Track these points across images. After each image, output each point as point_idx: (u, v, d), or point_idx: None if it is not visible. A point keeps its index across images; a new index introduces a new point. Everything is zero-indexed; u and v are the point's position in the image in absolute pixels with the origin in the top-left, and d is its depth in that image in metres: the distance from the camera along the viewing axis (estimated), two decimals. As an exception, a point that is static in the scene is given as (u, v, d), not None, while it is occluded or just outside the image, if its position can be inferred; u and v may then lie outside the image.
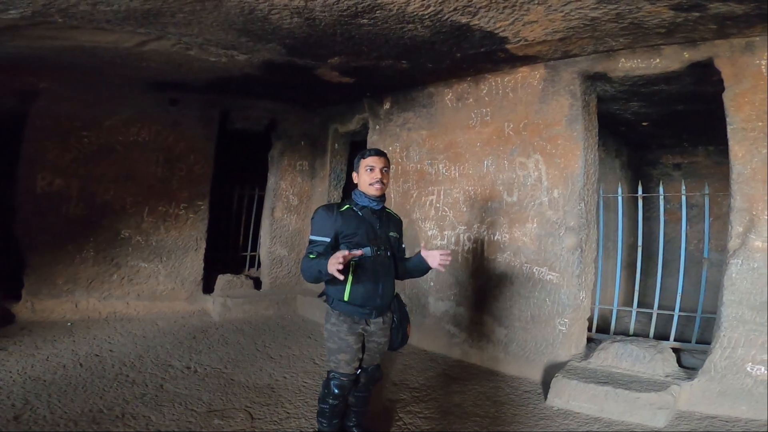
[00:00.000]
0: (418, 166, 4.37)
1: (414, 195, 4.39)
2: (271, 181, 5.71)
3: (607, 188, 4.16)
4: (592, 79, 3.41)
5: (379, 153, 2.17)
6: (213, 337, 4.23)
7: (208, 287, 5.25)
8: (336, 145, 5.74)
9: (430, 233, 4.19)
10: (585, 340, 3.41)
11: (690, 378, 2.81)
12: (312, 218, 2.14)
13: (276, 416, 2.70)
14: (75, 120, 4.51)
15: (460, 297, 3.93)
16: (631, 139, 5.49)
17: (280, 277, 5.67)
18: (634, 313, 3.64)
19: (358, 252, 1.90)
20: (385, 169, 2.14)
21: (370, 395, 2.34)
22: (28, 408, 2.57)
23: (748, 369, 2.62)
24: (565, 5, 2.50)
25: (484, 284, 3.77)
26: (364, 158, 2.16)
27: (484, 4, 2.56)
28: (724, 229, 2.84)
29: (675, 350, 3.18)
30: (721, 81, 2.85)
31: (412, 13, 2.72)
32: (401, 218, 2.38)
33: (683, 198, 3.42)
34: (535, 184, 3.53)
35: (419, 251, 2.20)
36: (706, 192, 3.42)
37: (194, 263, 5.13)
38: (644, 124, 4.66)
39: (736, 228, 2.74)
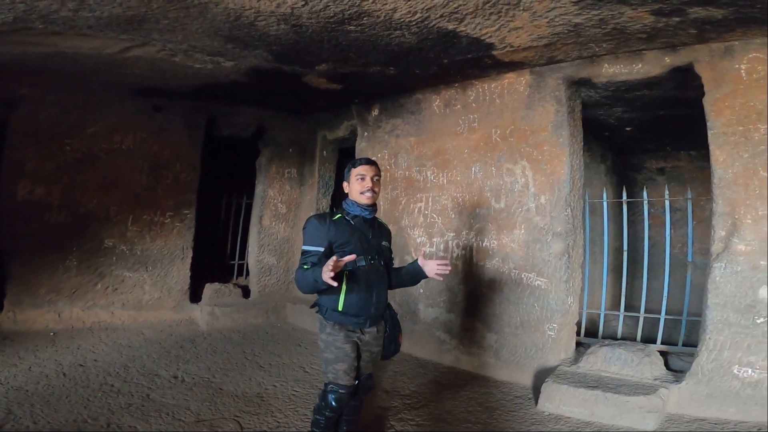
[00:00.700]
0: (407, 173, 4.37)
1: (403, 202, 4.39)
2: (259, 188, 5.67)
3: (593, 193, 4.21)
4: (576, 84, 3.45)
5: (370, 162, 2.17)
6: (201, 346, 4.17)
7: (195, 296, 5.18)
8: (324, 152, 5.72)
9: (419, 240, 4.19)
10: (574, 345, 3.43)
11: (678, 381, 2.82)
12: (304, 228, 2.10)
13: (266, 425, 2.66)
14: (57, 127, 4.43)
15: (450, 303, 3.92)
16: (615, 144, 5.57)
17: (269, 285, 5.61)
18: (621, 317, 3.67)
19: (349, 258, 1.87)
20: (376, 177, 2.14)
21: (361, 404, 2.31)
22: (11, 418, 2.52)
23: (735, 371, 2.64)
24: (549, 11, 2.53)
25: (473, 290, 3.77)
26: (354, 167, 2.15)
27: (470, 10, 2.58)
28: (708, 233, 2.86)
29: (662, 353, 3.20)
30: (702, 86, 2.89)
31: (399, 19, 2.73)
32: (389, 227, 2.39)
33: (666, 203, 3.48)
34: (522, 191, 3.55)
35: (416, 260, 2.20)
36: (689, 197, 3.47)
37: (181, 272, 5.06)
38: (628, 129, 4.72)
39: (719, 232, 2.77)
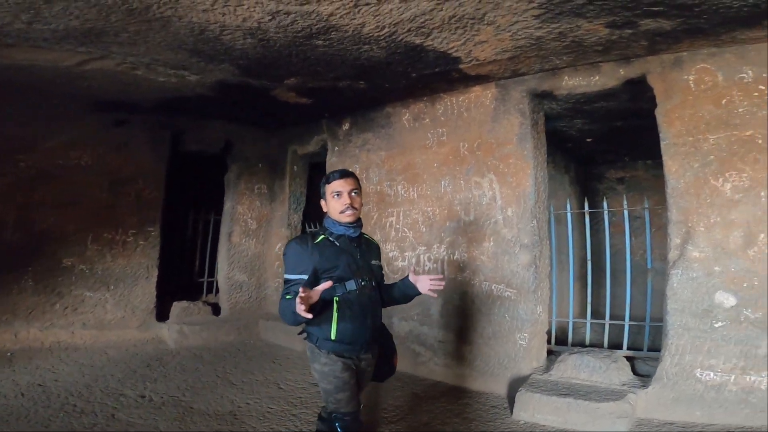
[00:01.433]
0: (378, 187, 4.38)
1: (374, 217, 4.38)
2: (228, 205, 5.54)
3: (558, 204, 4.33)
4: (539, 97, 3.55)
5: (345, 174, 1.97)
6: (169, 364, 4.04)
7: (163, 315, 5.02)
8: (295, 167, 5.66)
9: (391, 255, 4.18)
10: (545, 353, 3.48)
11: (645, 386, 2.89)
12: (284, 254, 1.91)
13: (240, 445, 2.57)
14: (10, 141, 4.22)
15: (423, 317, 3.92)
16: (578, 155, 5.77)
17: (241, 302, 5.47)
18: (588, 325, 3.76)
19: (324, 285, 1.71)
20: (355, 191, 1.94)
21: None
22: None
23: (698, 375, 2.72)
24: (512, 25, 2.61)
25: (446, 303, 3.79)
26: (329, 183, 1.95)
27: (436, 25, 2.63)
28: (666, 240, 2.96)
29: (629, 358, 3.28)
30: (654, 97, 2.98)
31: (368, 34, 2.76)
32: (377, 242, 2.21)
33: (625, 212, 3.60)
34: (490, 203, 3.61)
35: (407, 276, 2.04)
36: (646, 206, 3.61)
37: (146, 291, 4.91)
38: (588, 140, 4.90)
39: (675, 240, 2.87)
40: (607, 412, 2.69)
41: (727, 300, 2.65)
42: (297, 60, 3.20)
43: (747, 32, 2.55)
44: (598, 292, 4.15)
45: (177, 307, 5.06)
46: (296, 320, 1.72)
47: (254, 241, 5.62)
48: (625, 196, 3.78)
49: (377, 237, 4.30)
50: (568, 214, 3.89)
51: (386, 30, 2.70)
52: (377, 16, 2.52)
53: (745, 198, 2.65)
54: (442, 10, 2.44)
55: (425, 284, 1.95)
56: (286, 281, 1.86)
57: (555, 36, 2.74)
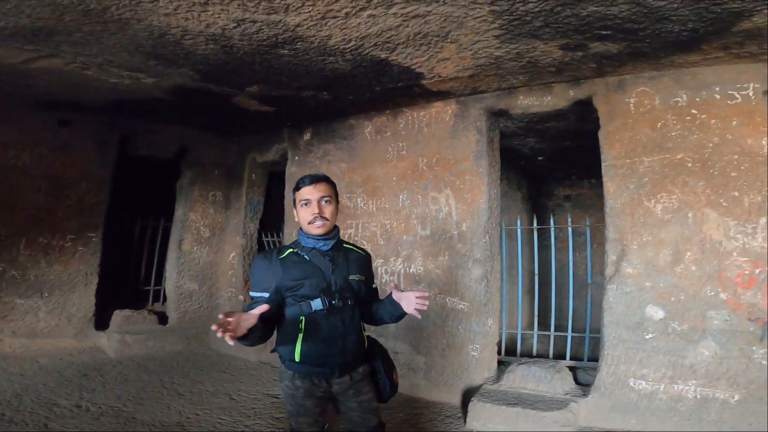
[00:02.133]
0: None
1: (334, 228, 4.37)
2: (179, 212, 5.34)
3: (510, 219, 4.53)
4: (496, 115, 3.69)
5: (316, 180, 1.76)
6: (109, 374, 3.85)
7: (103, 323, 4.78)
8: (253, 175, 5.54)
9: (349, 265, 4.19)
10: (496, 364, 3.61)
11: (585, 395, 3.06)
12: (250, 269, 1.79)
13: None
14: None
15: (379, 328, 3.93)
16: (530, 172, 6.07)
17: (191, 311, 5.28)
18: (535, 336, 3.95)
19: (258, 310, 1.52)
20: (326, 199, 1.74)
21: None
22: None
23: (632, 384, 2.91)
24: (474, 44, 2.72)
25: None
26: (298, 190, 1.77)
27: (402, 40, 2.70)
28: (605, 256, 3.15)
29: (571, 368, 3.48)
30: (599, 119, 3.15)
31: (334, 46, 2.78)
32: (367, 252, 1.97)
33: (569, 229, 3.84)
34: (446, 218, 3.71)
35: (390, 293, 1.84)
36: (588, 224, 3.87)
37: (83, 299, 4.65)
38: (540, 158, 5.16)
39: (611, 256, 3.07)
40: (552, 420, 2.83)
41: (657, 313, 2.88)
42: (260, 68, 3.18)
43: (684, 56, 2.74)
44: (546, 304, 4.37)
45: (118, 316, 4.85)
46: (243, 343, 1.53)
47: (207, 249, 5.45)
48: (569, 214, 4.03)
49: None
50: (518, 231, 4.09)
51: (352, 43, 2.74)
52: (344, 29, 2.56)
53: (674, 218, 2.89)
54: (408, 26, 2.51)
55: (410, 303, 1.77)
56: (251, 298, 1.73)
57: (513, 56, 2.87)
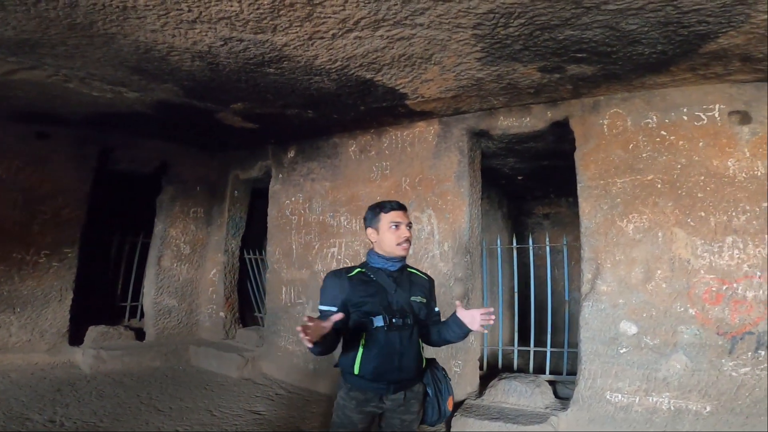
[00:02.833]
0: (321, 217, 4.40)
1: (316, 247, 4.38)
2: (159, 227, 5.26)
3: (491, 238, 4.62)
4: (477, 135, 3.77)
5: (402, 206, 1.91)
6: (84, 390, 3.76)
7: (78, 339, 4.68)
8: (236, 192, 5.51)
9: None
10: (478, 379, 3.62)
11: (564, 408, 3.11)
12: (321, 285, 1.90)
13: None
14: None
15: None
16: (510, 191, 6.20)
17: (169, 327, 5.18)
18: (515, 351, 4.01)
19: (335, 317, 1.65)
20: (410, 225, 1.89)
21: None
22: None
23: (608, 397, 2.97)
24: (456, 66, 2.81)
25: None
26: (385, 212, 1.87)
27: (387, 62, 2.77)
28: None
29: (551, 382, 3.54)
30: (575, 139, 3.24)
31: (320, 66, 2.84)
32: (430, 277, 2.04)
33: (548, 248, 3.94)
34: (428, 238, 3.75)
35: (454, 312, 1.87)
36: (565, 243, 3.98)
37: (57, 314, 4.54)
38: (520, 178, 5.27)
39: (587, 275, 3.16)
40: (533, 435, 2.87)
41: (630, 329, 2.97)
42: (246, 86, 3.21)
43: (654, 78, 2.85)
44: (527, 320, 4.45)
45: (94, 332, 4.75)
46: (315, 350, 1.66)
47: (187, 266, 5.37)
48: (547, 233, 4.13)
49: (318, 267, 4.30)
50: (498, 249, 4.17)
51: (338, 63, 2.80)
52: (331, 49, 2.62)
53: (645, 238, 3.00)
54: (393, 48, 2.59)
55: (475, 321, 1.79)
56: (319, 311, 1.83)
57: (494, 78, 2.96)
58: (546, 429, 2.89)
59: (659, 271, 2.93)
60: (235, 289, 5.44)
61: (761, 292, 2.69)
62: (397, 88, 3.19)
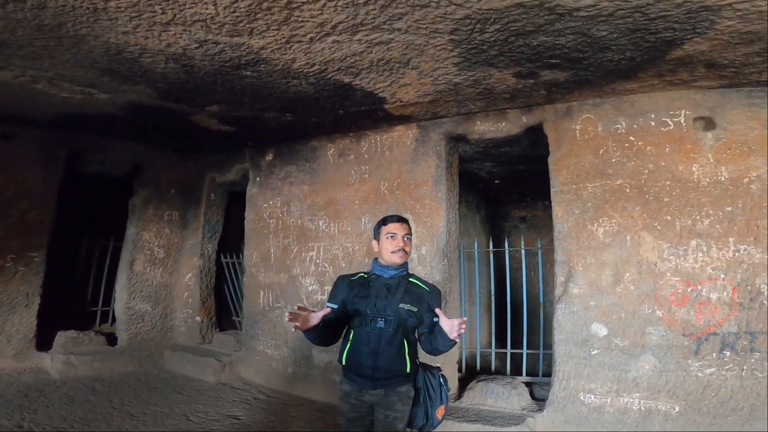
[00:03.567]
0: (299, 221, 4.37)
1: (294, 250, 4.35)
2: (131, 231, 5.13)
3: (469, 242, 4.68)
4: (455, 140, 3.80)
5: (401, 219, 2.11)
6: (53, 395, 3.67)
7: (46, 344, 4.53)
8: (212, 195, 5.43)
9: (310, 288, 4.17)
10: (457, 381, 3.66)
11: (540, 410, 3.17)
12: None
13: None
14: None
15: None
16: (487, 195, 6.29)
17: (143, 332, 5.06)
18: (493, 354, 4.06)
19: (322, 312, 1.89)
20: (407, 236, 2.07)
21: None
22: None
23: (582, 398, 3.03)
24: (434, 71, 2.83)
25: (363, 334, 3.83)
26: (385, 225, 2.09)
27: (365, 66, 2.78)
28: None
29: (528, 384, 3.59)
30: (548, 144, 3.30)
31: (298, 69, 2.82)
32: (435, 288, 2.18)
33: (523, 252, 3.98)
34: (407, 243, 3.77)
35: (437, 322, 1.98)
36: (540, 246, 4.05)
37: (24, 319, 4.39)
38: (496, 181, 5.34)
39: (560, 278, 3.22)
40: (510, 436, 2.91)
41: (601, 330, 3.04)
42: (222, 88, 3.17)
43: (624, 84, 2.91)
44: (503, 323, 4.51)
45: (63, 337, 4.63)
46: (309, 337, 1.96)
47: (161, 270, 5.25)
48: (523, 237, 4.19)
49: (296, 270, 4.26)
50: (476, 253, 4.22)
51: (316, 67, 2.79)
52: (308, 53, 2.61)
53: (614, 242, 3.08)
54: (371, 52, 2.59)
55: (453, 330, 1.89)
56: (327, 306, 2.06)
57: (471, 83, 3.00)
58: (523, 430, 2.94)
59: (627, 274, 3.02)
60: (212, 293, 5.35)
61: (725, 294, 2.80)
62: (375, 92, 3.20)
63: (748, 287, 2.74)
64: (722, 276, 2.81)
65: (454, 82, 3.01)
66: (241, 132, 4.28)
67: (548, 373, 3.58)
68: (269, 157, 4.72)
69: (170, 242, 5.33)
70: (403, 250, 2.04)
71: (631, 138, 3.11)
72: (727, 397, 2.73)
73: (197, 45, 2.52)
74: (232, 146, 4.85)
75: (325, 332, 1.97)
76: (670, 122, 3.02)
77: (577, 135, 3.26)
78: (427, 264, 3.65)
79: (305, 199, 4.37)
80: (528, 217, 6.94)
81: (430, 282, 2.28)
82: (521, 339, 3.92)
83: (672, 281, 2.91)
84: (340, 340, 2.09)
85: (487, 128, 3.60)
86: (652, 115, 3.06)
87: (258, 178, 4.78)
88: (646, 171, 3.05)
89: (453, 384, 3.60)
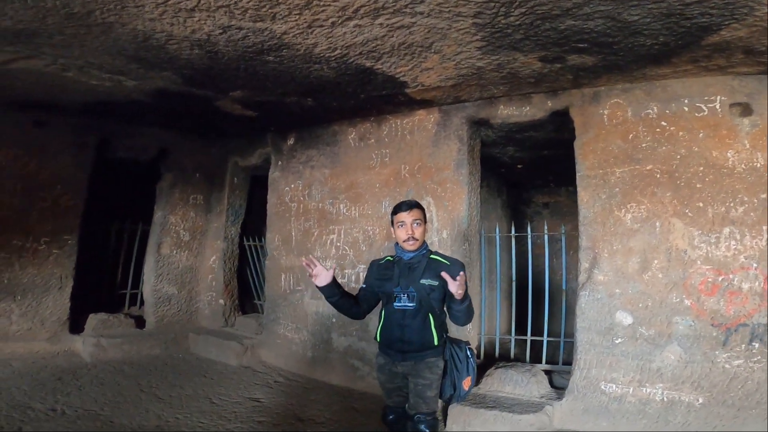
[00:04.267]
0: (320, 204, 4.41)
1: (315, 233, 4.40)
2: (158, 215, 5.27)
3: (490, 226, 4.63)
4: (477, 124, 3.76)
5: (410, 206, 2.21)
6: (84, 378, 3.80)
7: (78, 327, 4.71)
8: (235, 179, 5.52)
9: (331, 271, 4.22)
10: (475, 368, 3.67)
11: (560, 398, 3.15)
12: None
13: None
14: None
15: (361, 332, 3.99)
16: (509, 179, 6.19)
17: (169, 315, 5.22)
18: (513, 341, 4.05)
19: (316, 269, 2.10)
20: (417, 221, 2.18)
21: None
22: None
23: (603, 387, 3.00)
24: (456, 55, 2.79)
25: (383, 319, 3.88)
26: (394, 214, 2.23)
27: (387, 50, 2.75)
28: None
29: (547, 372, 3.57)
30: (574, 129, 3.23)
31: (319, 54, 2.82)
32: (455, 261, 2.25)
33: (546, 237, 3.93)
34: (427, 226, 3.76)
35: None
36: (563, 232, 3.98)
37: (58, 302, 4.56)
38: (519, 166, 5.26)
39: (584, 264, 3.17)
40: (528, 423, 2.92)
41: (626, 319, 3.00)
42: (245, 74, 3.19)
43: (656, 69, 2.84)
44: (524, 309, 4.48)
45: (94, 320, 4.78)
46: (324, 294, 2.18)
47: (186, 253, 5.39)
48: (546, 222, 4.12)
49: (317, 254, 4.32)
50: (497, 238, 4.18)
51: (338, 51, 2.78)
52: (330, 38, 2.60)
53: (643, 228, 3.01)
54: (393, 36, 2.57)
55: (453, 286, 1.98)
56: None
57: (494, 67, 2.95)
58: (541, 418, 2.94)
59: (656, 261, 2.95)
60: (235, 276, 5.48)
61: (757, 283, 2.71)
62: (397, 76, 3.18)
63: (781, 277, 2.64)
64: (755, 265, 2.72)
65: (477, 66, 2.96)
66: (263, 117, 4.31)
67: (568, 362, 3.56)
68: (291, 141, 4.76)
69: (195, 225, 5.46)
70: (413, 238, 2.16)
71: (662, 123, 3.02)
72: (753, 390, 2.66)
73: (221, 31, 2.54)
74: (254, 131, 4.90)
75: (349, 301, 2.22)
76: (704, 108, 2.93)
77: (605, 120, 3.18)
78: (448, 248, 3.64)
79: (326, 183, 4.40)
80: (551, 203, 6.82)
81: (453, 257, 2.37)
82: (541, 326, 3.90)
83: (702, 269, 2.83)
84: (376, 319, 2.33)
85: (510, 112, 3.54)
86: (686, 101, 2.97)
87: (280, 162, 4.82)
88: (678, 156, 2.96)
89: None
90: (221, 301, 5.29)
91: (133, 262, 5.57)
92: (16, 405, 3.08)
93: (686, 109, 2.97)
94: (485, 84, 3.27)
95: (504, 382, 3.34)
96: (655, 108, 3.05)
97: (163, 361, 4.50)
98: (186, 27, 2.49)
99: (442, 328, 2.23)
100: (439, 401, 2.29)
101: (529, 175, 5.94)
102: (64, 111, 4.24)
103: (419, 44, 2.67)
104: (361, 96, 3.61)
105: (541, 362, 3.73)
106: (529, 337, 3.93)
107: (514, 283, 4.09)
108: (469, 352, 2.31)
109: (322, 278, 2.12)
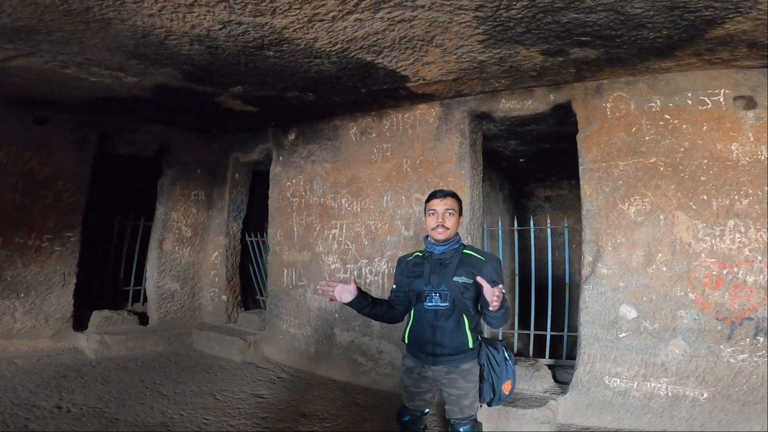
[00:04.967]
0: (322, 199, 4.40)
1: (317, 228, 4.40)
2: (160, 211, 5.26)
3: (492, 220, 4.62)
4: (479, 118, 3.74)
5: (444, 195, 2.07)
6: (89, 375, 3.81)
7: (81, 324, 4.71)
8: (237, 174, 5.50)
9: (333, 267, 4.22)
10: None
11: (563, 392, 3.15)
12: None
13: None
14: None
15: (364, 327, 3.99)
16: (511, 173, 6.18)
17: (172, 311, 5.23)
18: (516, 335, 4.05)
19: (340, 287, 1.97)
20: (450, 211, 2.03)
21: None
22: None
23: (607, 381, 3.00)
24: (458, 48, 2.77)
25: (386, 314, 3.88)
26: (427, 201, 2.09)
27: (387, 44, 2.73)
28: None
29: (550, 366, 3.57)
30: (577, 122, 3.22)
31: (320, 48, 2.80)
32: (491, 257, 2.10)
33: (548, 231, 3.93)
34: (428, 220, 3.76)
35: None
36: (566, 225, 3.98)
37: (62, 299, 4.55)
38: (521, 160, 5.24)
39: (587, 258, 3.16)
40: (532, 418, 2.92)
41: (630, 312, 2.99)
42: (245, 69, 3.17)
43: (659, 62, 2.83)
44: (527, 303, 4.48)
45: (98, 316, 4.78)
46: (353, 307, 2.03)
47: (189, 249, 5.39)
48: (549, 216, 4.11)
49: (319, 248, 4.32)
50: (499, 231, 4.17)
51: (339, 46, 2.76)
52: (330, 32, 2.58)
53: (647, 221, 3.00)
54: (394, 30, 2.54)
55: (489, 296, 1.82)
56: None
57: (496, 61, 2.93)
58: (545, 413, 2.94)
59: (660, 255, 2.94)
60: (237, 271, 5.48)
61: (761, 277, 2.70)
62: (398, 70, 3.15)
63: (787, 270, 2.63)
64: (759, 258, 2.72)
65: (478, 60, 2.94)
66: (264, 112, 4.29)
67: (572, 356, 3.56)
68: (292, 136, 4.74)
69: (197, 221, 5.45)
70: (443, 226, 2.01)
71: (666, 116, 3.00)
72: (758, 384, 2.66)
73: (221, 26, 2.51)
74: (255, 126, 4.88)
75: (382, 308, 2.08)
76: (708, 101, 2.91)
77: (608, 113, 3.17)
78: (450, 243, 3.63)
79: (328, 177, 4.39)
80: (553, 197, 6.80)
81: (488, 252, 2.23)
82: (544, 320, 3.90)
83: (707, 263, 2.82)
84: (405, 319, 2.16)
85: (512, 106, 3.53)
86: (689, 94, 2.95)
87: (281, 157, 4.81)
88: (682, 149, 2.94)
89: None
90: (224, 297, 5.31)
91: (136, 258, 5.57)
92: (22, 403, 3.09)
93: (690, 102, 2.95)
94: (487, 78, 3.25)
95: (507, 377, 3.34)
96: (658, 101, 3.03)
97: (167, 358, 4.51)
98: (185, 22, 2.47)
99: (476, 330, 2.05)
100: (478, 405, 2.10)
101: (531, 169, 5.92)
102: (65, 107, 4.22)
103: (420, 38, 2.64)
104: (362, 90, 3.59)
105: (544, 357, 3.74)
106: (532, 332, 3.93)
107: (516, 278, 4.09)
108: (507, 354, 2.11)
109: (347, 294, 1.97)
